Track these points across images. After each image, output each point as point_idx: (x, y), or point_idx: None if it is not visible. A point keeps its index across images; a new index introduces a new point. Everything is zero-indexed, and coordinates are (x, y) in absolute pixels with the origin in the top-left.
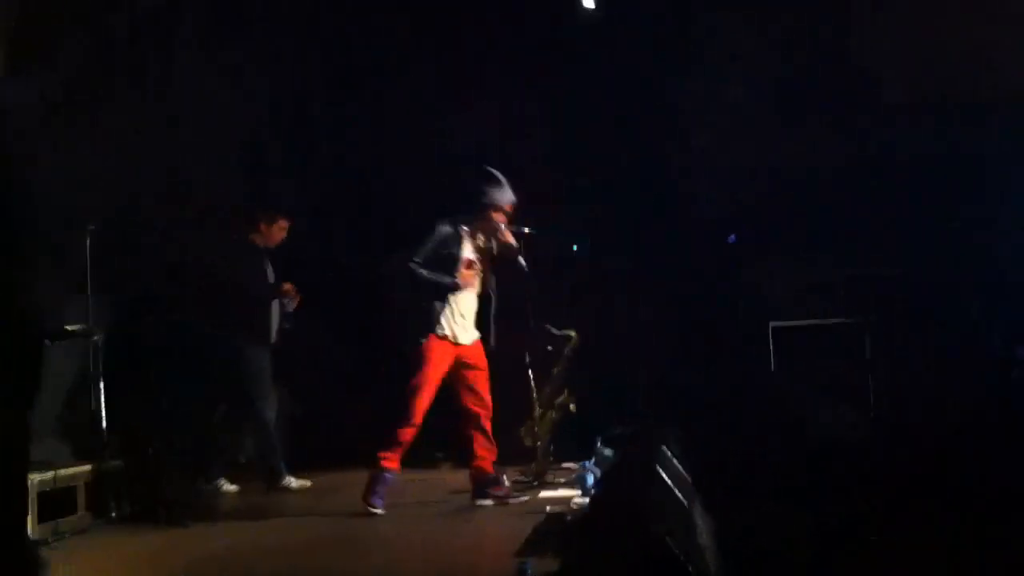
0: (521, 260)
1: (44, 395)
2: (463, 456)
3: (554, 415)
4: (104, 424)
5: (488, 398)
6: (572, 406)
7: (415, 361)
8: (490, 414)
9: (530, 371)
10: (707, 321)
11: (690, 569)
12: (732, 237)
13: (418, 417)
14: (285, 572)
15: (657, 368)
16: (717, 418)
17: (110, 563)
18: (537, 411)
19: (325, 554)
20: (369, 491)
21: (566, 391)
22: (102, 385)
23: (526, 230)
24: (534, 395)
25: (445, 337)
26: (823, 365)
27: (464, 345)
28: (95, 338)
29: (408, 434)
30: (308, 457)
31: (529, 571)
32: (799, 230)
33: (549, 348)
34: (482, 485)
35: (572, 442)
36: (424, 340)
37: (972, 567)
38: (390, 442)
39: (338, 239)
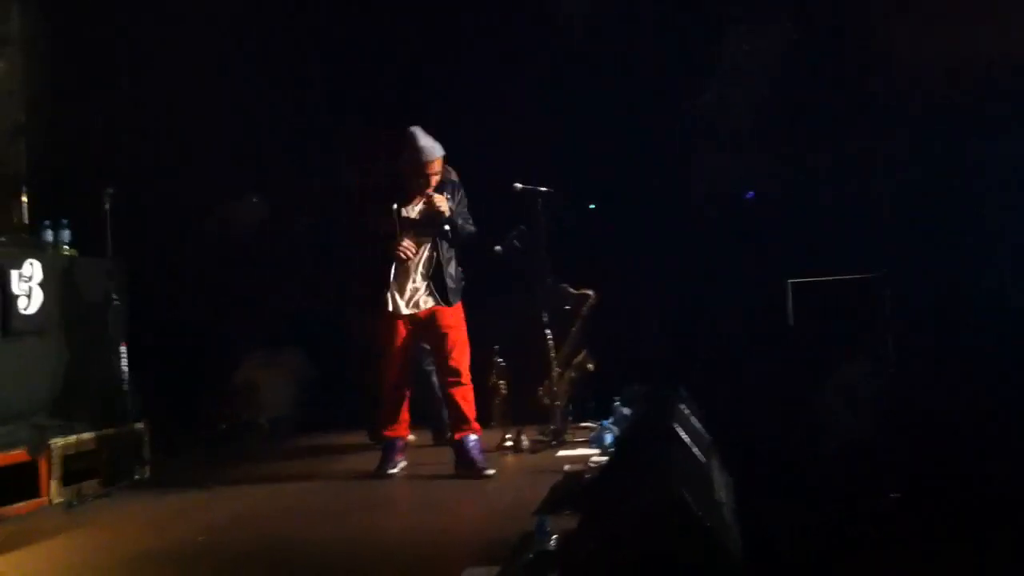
0: (448, 223)
1: (67, 359)
2: (479, 419)
3: (572, 374)
4: (126, 388)
5: (456, 364)
6: (590, 365)
7: (377, 336)
8: (459, 382)
9: (548, 331)
10: (725, 278)
11: (708, 525)
12: (750, 193)
13: (394, 387)
14: (305, 533)
15: (675, 326)
16: (735, 375)
17: (131, 526)
18: (555, 371)
19: (343, 516)
20: (382, 463)
21: (584, 350)
22: (124, 349)
23: (543, 189)
24: (552, 355)
25: (394, 312)
26: (842, 321)
27: (415, 313)
28: (116, 302)
29: (395, 400)
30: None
31: (547, 528)
32: (815, 185)
33: (567, 307)
34: (458, 456)
35: (590, 401)
36: (379, 317)
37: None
38: (384, 417)
39: None
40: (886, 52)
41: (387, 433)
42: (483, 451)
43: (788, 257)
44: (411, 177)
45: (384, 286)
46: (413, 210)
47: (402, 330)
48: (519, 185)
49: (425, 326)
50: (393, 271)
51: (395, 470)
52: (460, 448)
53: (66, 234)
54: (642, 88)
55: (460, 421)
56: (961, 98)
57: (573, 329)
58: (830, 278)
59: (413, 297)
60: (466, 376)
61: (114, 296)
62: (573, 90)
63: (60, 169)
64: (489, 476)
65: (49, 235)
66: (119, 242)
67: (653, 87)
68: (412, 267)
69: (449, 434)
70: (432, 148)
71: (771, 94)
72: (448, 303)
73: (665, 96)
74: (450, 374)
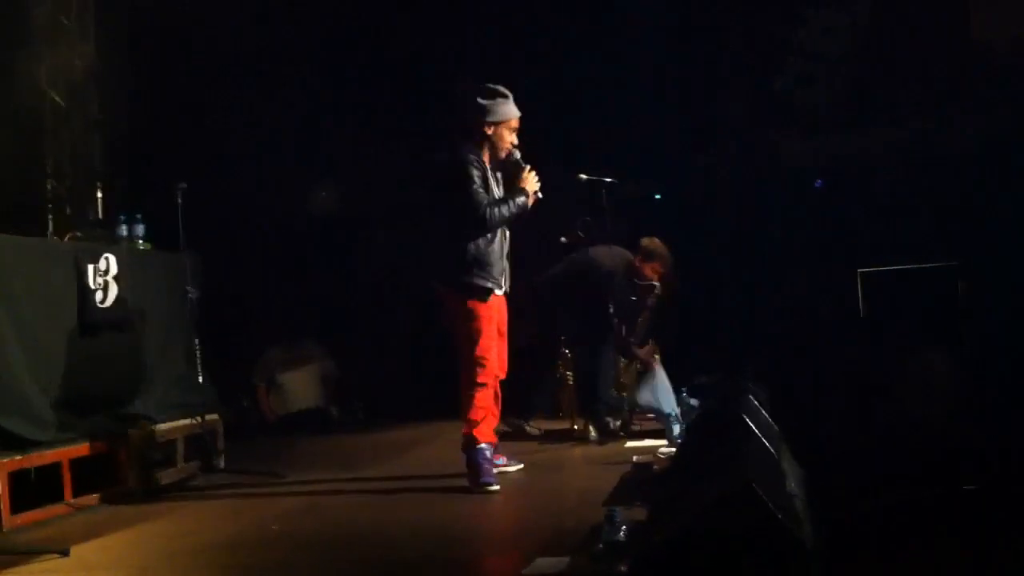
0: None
1: (144, 351)
2: (549, 410)
3: (639, 366)
4: (201, 379)
5: (504, 357)
6: (657, 356)
7: (471, 319)
8: (503, 375)
9: (616, 321)
10: (795, 267)
11: (779, 517)
12: (819, 182)
13: (496, 376)
14: (374, 522)
15: (743, 316)
16: (804, 366)
17: (207, 515)
18: (622, 362)
19: (411, 504)
20: (480, 474)
21: (651, 341)
22: (198, 341)
23: (607, 179)
24: (618, 346)
25: (496, 289)
26: (914, 311)
27: (504, 294)
28: (191, 295)
29: (488, 398)
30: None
31: (618, 519)
32: (883, 176)
33: (633, 299)
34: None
35: None
36: (480, 297)
37: None
38: (481, 416)
39: None
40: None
41: (483, 438)
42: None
43: (859, 246)
44: (502, 134)
45: (497, 261)
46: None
47: (500, 311)
48: (584, 176)
49: (501, 311)
50: (486, 247)
51: (497, 486)
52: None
53: (140, 228)
54: (708, 76)
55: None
56: None
57: (639, 320)
58: (901, 267)
59: (503, 277)
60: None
61: (188, 289)
62: (640, 81)
63: (135, 164)
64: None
65: (124, 229)
66: (192, 236)
67: (721, 74)
68: (500, 244)
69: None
70: (514, 105)
71: (844, 81)
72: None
73: (733, 83)
74: (503, 371)
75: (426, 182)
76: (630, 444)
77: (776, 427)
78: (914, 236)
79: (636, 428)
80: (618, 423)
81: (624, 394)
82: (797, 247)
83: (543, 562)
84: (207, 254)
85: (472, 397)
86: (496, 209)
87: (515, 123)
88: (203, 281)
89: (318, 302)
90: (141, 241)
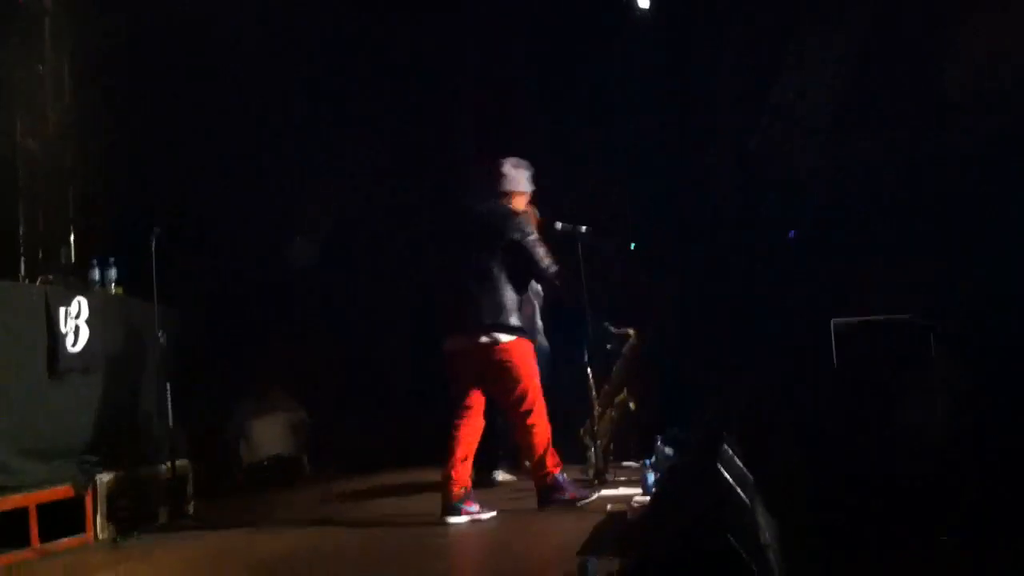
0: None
1: (113, 396)
2: (518, 460)
3: (613, 414)
4: (171, 425)
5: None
6: (632, 405)
7: (531, 364)
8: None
9: (589, 370)
10: (767, 318)
11: (753, 568)
12: (792, 233)
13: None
14: (351, 573)
15: (717, 366)
16: (779, 417)
17: (177, 564)
18: (597, 410)
19: (386, 558)
20: (573, 495)
21: (625, 390)
22: (169, 387)
23: (583, 228)
24: (593, 394)
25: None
26: (887, 364)
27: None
28: (162, 340)
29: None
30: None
31: (592, 570)
32: (862, 227)
33: (608, 346)
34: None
35: (632, 441)
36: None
37: None
38: (547, 449)
39: None
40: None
41: (557, 469)
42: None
43: (832, 297)
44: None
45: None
46: None
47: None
48: (560, 224)
49: None
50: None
51: (587, 500)
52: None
53: (113, 272)
54: (694, 91)
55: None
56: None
57: (615, 368)
58: (875, 318)
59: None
60: None
61: (160, 334)
62: (613, 129)
63: (109, 209)
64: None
65: (96, 274)
66: (166, 282)
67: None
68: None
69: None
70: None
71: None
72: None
73: (719, 100)
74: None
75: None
76: (605, 493)
77: (751, 477)
78: (887, 288)
79: (610, 477)
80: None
81: (599, 442)
82: (770, 298)
83: None
84: (179, 300)
85: (534, 434)
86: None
87: (529, 196)
88: (174, 327)
89: (290, 351)
90: (114, 285)
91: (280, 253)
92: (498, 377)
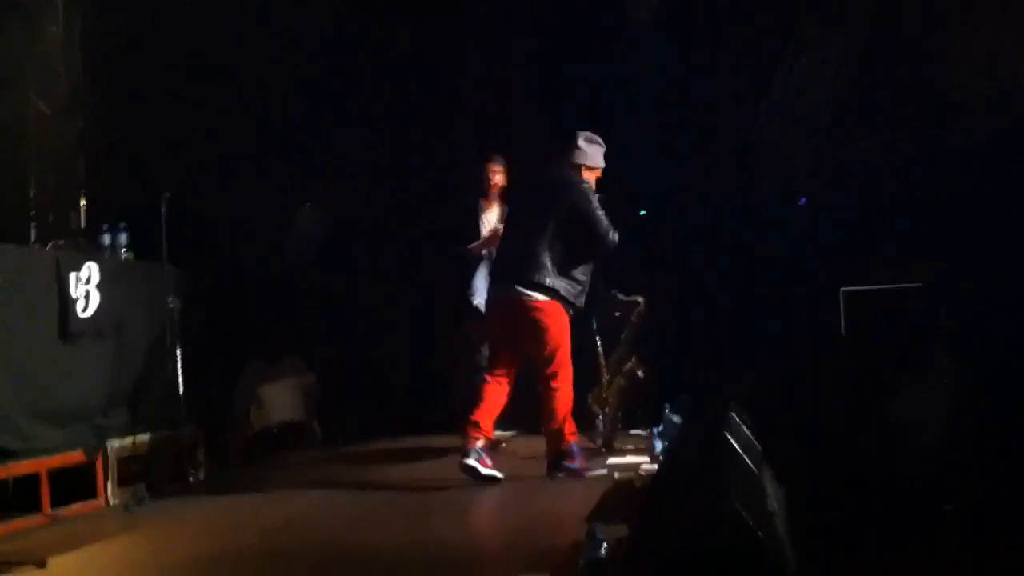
0: None
1: (124, 362)
2: (534, 425)
3: (621, 382)
4: (182, 391)
5: None
6: (640, 372)
7: (562, 330)
8: None
9: (597, 337)
10: (777, 285)
11: (760, 535)
12: (803, 200)
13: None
14: (356, 539)
15: (726, 333)
16: (786, 384)
17: (187, 529)
18: (605, 378)
19: (393, 522)
20: (582, 465)
21: (634, 357)
22: (179, 353)
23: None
24: (601, 361)
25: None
26: (895, 330)
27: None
28: (172, 306)
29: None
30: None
31: (599, 536)
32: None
33: (617, 314)
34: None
35: (640, 409)
36: (570, 309)
37: None
38: (567, 416)
39: None
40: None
41: (572, 438)
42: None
43: (842, 265)
44: (593, 179)
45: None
46: None
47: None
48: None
49: None
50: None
51: (601, 470)
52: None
53: (123, 238)
54: (694, 93)
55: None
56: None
57: (623, 336)
58: (883, 287)
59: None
60: None
61: (170, 300)
62: (626, 95)
63: (120, 173)
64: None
65: (107, 239)
66: (176, 247)
67: (706, 92)
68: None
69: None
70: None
71: (827, 101)
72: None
73: (719, 102)
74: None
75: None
76: (612, 461)
77: (758, 445)
78: (898, 257)
79: (618, 445)
80: (600, 439)
81: (607, 409)
82: (781, 265)
83: None
84: (190, 266)
85: (555, 399)
86: (613, 235)
87: (599, 173)
88: (185, 293)
89: (301, 316)
90: (124, 251)
91: (290, 222)
92: (528, 335)
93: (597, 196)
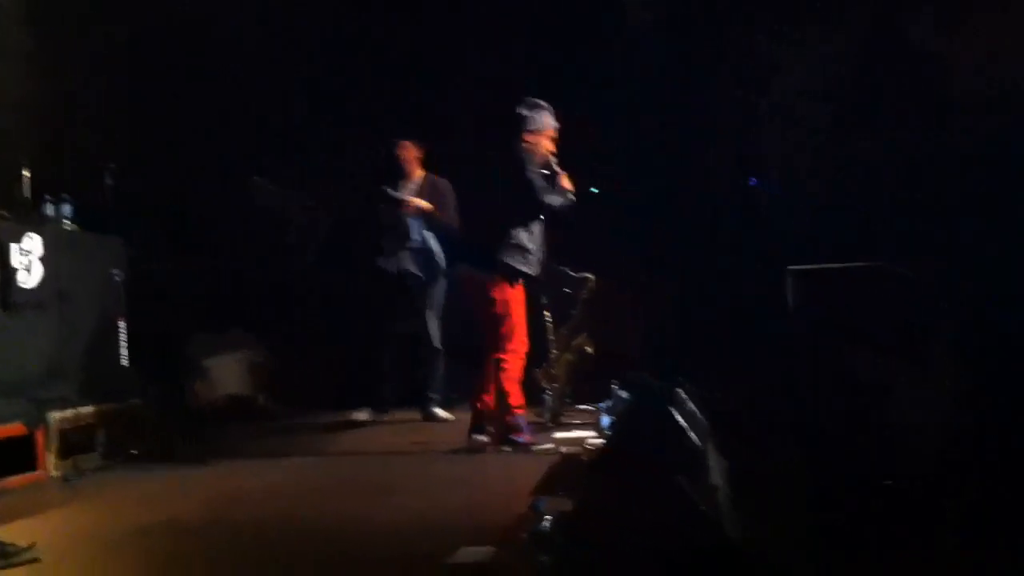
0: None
1: (66, 333)
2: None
3: (570, 357)
4: (126, 363)
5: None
6: (588, 348)
7: (505, 298)
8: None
9: (547, 313)
10: (725, 263)
11: (702, 508)
12: (753, 180)
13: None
14: (296, 511)
15: (674, 310)
16: (733, 361)
17: (129, 501)
18: (553, 353)
19: (336, 496)
20: (521, 434)
21: (583, 333)
22: (123, 324)
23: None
24: (551, 337)
25: (531, 273)
26: (843, 309)
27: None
28: (116, 278)
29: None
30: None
31: (543, 510)
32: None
33: (566, 290)
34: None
35: (588, 384)
36: (512, 277)
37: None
38: (518, 392)
39: None
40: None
41: (522, 411)
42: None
43: (790, 244)
44: (540, 142)
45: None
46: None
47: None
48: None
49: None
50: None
51: (543, 446)
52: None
53: (67, 209)
54: (648, 73)
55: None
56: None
57: (573, 312)
58: (831, 266)
59: (539, 264)
60: None
61: (114, 272)
62: (578, 75)
63: (63, 144)
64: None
65: (51, 210)
66: (121, 218)
67: (660, 72)
68: (540, 234)
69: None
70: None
71: (781, 82)
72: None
73: (672, 81)
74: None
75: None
76: (560, 435)
77: (704, 420)
78: (844, 236)
79: (566, 420)
80: (548, 414)
81: (556, 385)
82: (730, 243)
83: (467, 552)
84: (135, 237)
85: (503, 370)
86: (549, 197)
87: (552, 133)
88: (130, 264)
89: (247, 288)
90: (68, 222)
91: (243, 191)
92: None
93: (549, 158)
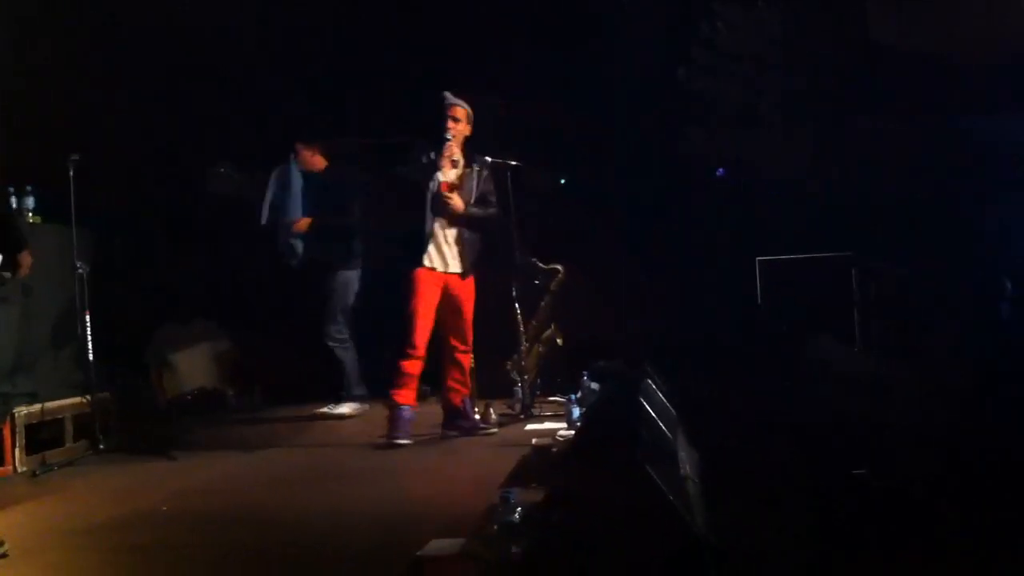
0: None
1: (31, 327)
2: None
3: (540, 349)
4: (91, 357)
5: (466, 332)
6: (559, 340)
7: (404, 292)
8: (467, 349)
9: (517, 305)
10: (695, 254)
11: (671, 499)
12: (720, 171)
13: (419, 348)
14: (264, 504)
15: (643, 302)
16: (702, 351)
17: (96, 495)
18: (524, 345)
19: (306, 487)
20: (390, 429)
21: (553, 325)
22: (88, 318)
23: (513, 163)
24: (521, 329)
25: (433, 268)
26: (810, 299)
27: (452, 274)
28: (80, 271)
29: (413, 367)
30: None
31: (513, 501)
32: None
33: (536, 282)
34: (450, 416)
35: (558, 376)
36: (412, 270)
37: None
38: (397, 378)
39: None
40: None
41: (399, 400)
42: None
43: (758, 235)
44: (438, 128)
45: (423, 240)
46: (450, 174)
47: (432, 286)
48: (489, 159)
49: (449, 288)
50: (436, 228)
51: (406, 440)
52: (462, 411)
53: (30, 201)
54: (618, 62)
55: (462, 385)
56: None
57: (542, 304)
58: (799, 256)
59: (446, 256)
60: (471, 344)
61: (78, 264)
62: (546, 65)
63: (25, 136)
64: (493, 434)
65: (13, 202)
66: (84, 210)
67: (630, 62)
68: (444, 228)
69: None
70: (454, 97)
71: (750, 71)
72: (464, 273)
73: (640, 70)
74: (459, 339)
75: None
76: (529, 427)
77: (673, 411)
78: (811, 226)
79: (536, 411)
80: (518, 406)
81: (526, 376)
82: (697, 235)
83: (437, 544)
84: (99, 229)
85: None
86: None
87: (449, 111)
88: (94, 257)
89: (212, 280)
90: (30, 214)
91: (201, 178)
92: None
93: (451, 148)
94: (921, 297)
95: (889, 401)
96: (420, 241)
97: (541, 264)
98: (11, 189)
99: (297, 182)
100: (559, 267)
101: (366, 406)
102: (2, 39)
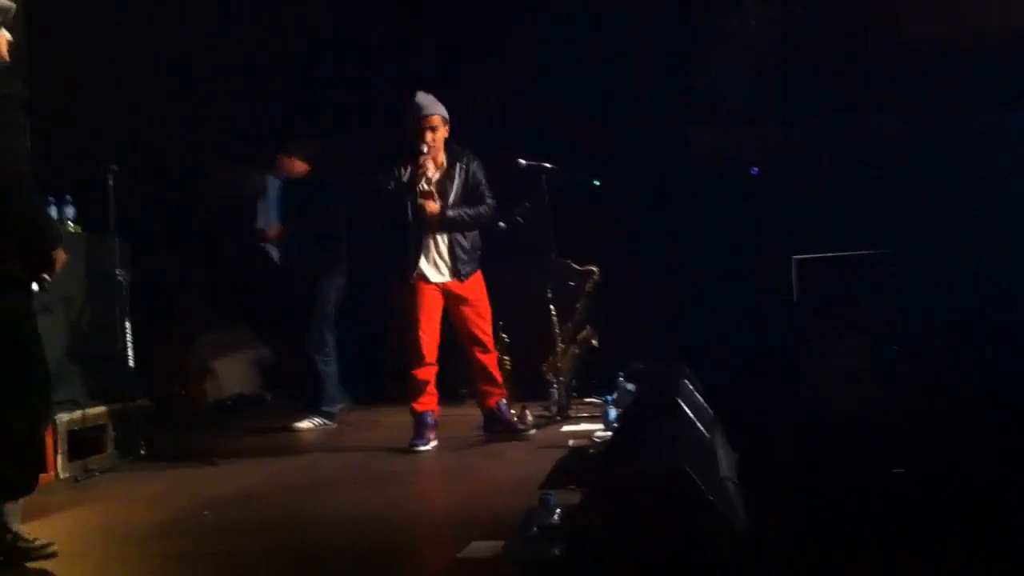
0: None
1: (72, 335)
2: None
3: (576, 350)
4: (131, 364)
5: (481, 334)
6: (594, 341)
7: (403, 307)
8: (486, 350)
9: (552, 306)
10: (730, 254)
11: (711, 500)
12: (754, 169)
13: (427, 357)
14: (310, 508)
15: (679, 302)
16: (739, 351)
17: (138, 501)
18: (559, 346)
19: (347, 490)
20: (412, 436)
21: (588, 326)
22: (128, 325)
23: (547, 165)
24: (556, 330)
25: (428, 280)
26: (848, 298)
27: (450, 282)
28: (120, 278)
29: (426, 373)
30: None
31: (552, 503)
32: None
33: (571, 283)
34: (488, 419)
35: (594, 377)
36: (405, 284)
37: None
38: (413, 388)
39: None
40: (893, 23)
41: (419, 408)
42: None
43: (794, 233)
44: (412, 136)
45: (410, 250)
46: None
47: (431, 297)
48: (523, 161)
49: (451, 295)
50: (419, 236)
51: (427, 447)
52: (497, 413)
53: (70, 210)
54: (647, 62)
55: (492, 387)
56: (967, 72)
57: (577, 305)
58: (835, 254)
59: (439, 265)
60: (491, 343)
61: (118, 272)
62: (578, 65)
63: (66, 144)
64: (531, 436)
65: (53, 211)
66: (124, 218)
67: (657, 60)
68: (431, 236)
69: (478, 401)
70: (429, 105)
71: (777, 67)
72: (460, 276)
73: (670, 70)
74: (475, 343)
75: None
76: (566, 428)
77: (711, 411)
78: (849, 225)
79: (572, 413)
80: (554, 408)
81: (562, 378)
82: (732, 234)
83: (478, 546)
84: (139, 237)
85: (495, 360)
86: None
87: (425, 123)
88: (134, 265)
89: (252, 287)
90: (71, 223)
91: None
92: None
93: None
94: (960, 298)
95: (927, 399)
96: (404, 250)
97: (576, 265)
98: (51, 199)
99: (273, 188)
100: (594, 268)
101: (332, 424)
102: (45, 44)
